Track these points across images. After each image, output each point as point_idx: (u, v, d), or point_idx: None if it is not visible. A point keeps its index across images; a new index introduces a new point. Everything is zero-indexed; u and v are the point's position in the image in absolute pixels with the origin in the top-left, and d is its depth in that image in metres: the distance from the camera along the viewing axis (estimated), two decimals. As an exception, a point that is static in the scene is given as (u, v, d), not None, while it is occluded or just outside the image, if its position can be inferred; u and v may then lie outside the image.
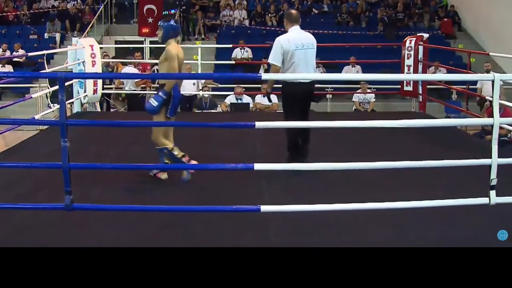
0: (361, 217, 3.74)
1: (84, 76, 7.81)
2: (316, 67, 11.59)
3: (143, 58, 13.39)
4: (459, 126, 7.07)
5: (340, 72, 11.44)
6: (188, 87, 10.03)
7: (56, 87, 4.29)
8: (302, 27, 5.06)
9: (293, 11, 5.21)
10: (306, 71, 4.86)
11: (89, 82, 7.93)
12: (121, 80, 10.80)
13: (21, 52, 13.45)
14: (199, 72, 9.12)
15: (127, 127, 6.46)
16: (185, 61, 4.91)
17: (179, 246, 3.31)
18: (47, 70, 7.34)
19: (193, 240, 3.53)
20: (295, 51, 4.79)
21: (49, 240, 3.47)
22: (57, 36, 15.23)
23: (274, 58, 4.86)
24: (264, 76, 4.11)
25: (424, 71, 8.12)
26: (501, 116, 4.48)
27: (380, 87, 10.82)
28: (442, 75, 6.97)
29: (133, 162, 4.81)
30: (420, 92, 8.15)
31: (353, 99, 10.31)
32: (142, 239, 3.52)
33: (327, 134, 5.37)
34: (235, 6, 16.13)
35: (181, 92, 4.83)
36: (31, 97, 8.59)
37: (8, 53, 13.35)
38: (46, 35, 15.42)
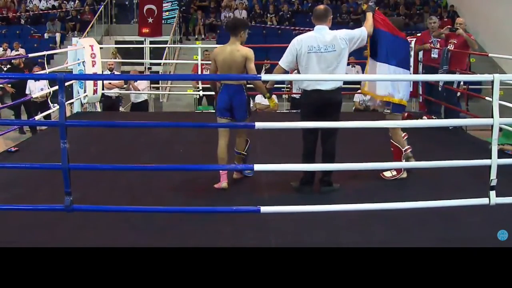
0: (361, 217, 3.74)
1: (85, 77, 7.81)
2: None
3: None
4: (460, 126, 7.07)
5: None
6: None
7: (56, 87, 4.29)
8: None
9: (320, 7, 4.49)
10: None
11: (89, 82, 7.94)
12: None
13: (21, 51, 13.45)
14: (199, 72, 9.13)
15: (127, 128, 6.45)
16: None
17: (179, 246, 3.31)
18: (47, 71, 7.34)
19: (193, 240, 3.53)
20: (308, 54, 4.24)
21: (49, 240, 3.47)
22: (57, 36, 15.25)
23: (282, 58, 4.36)
24: (264, 77, 4.09)
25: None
26: None
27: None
28: (442, 76, 6.95)
29: (133, 163, 4.81)
30: (420, 92, 8.15)
31: (354, 100, 10.30)
32: (142, 239, 3.52)
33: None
34: (235, 6, 16.14)
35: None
36: (31, 98, 8.60)
37: (9, 52, 13.37)
38: (46, 35, 15.43)
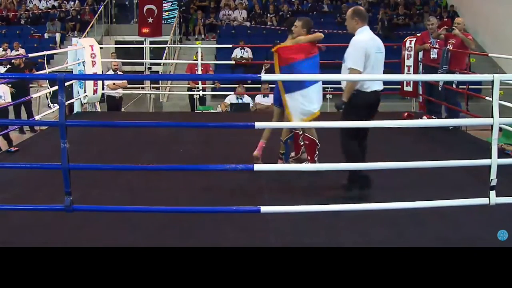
0: (361, 217, 3.74)
1: (85, 77, 7.81)
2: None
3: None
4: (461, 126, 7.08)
5: (340, 72, 11.45)
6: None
7: (56, 87, 4.29)
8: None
9: (362, 8, 4.53)
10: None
11: (89, 82, 7.94)
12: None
13: (21, 51, 13.45)
14: (199, 72, 9.13)
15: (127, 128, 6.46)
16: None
17: (179, 246, 3.31)
18: (47, 71, 7.34)
19: (193, 240, 3.53)
20: (376, 54, 4.22)
21: (49, 240, 3.47)
22: (57, 36, 15.25)
23: (356, 62, 4.17)
24: (264, 77, 4.09)
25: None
26: None
27: (380, 87, 10.83)
28: (441, 76, 6.95)
29: (133, 163, 4.81)
30: (420, 92, 8.15)
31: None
32: (142, 239, 3.52)
33: (327, 134, 5.37)
34: (235, 6, 16.14)
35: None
36: (32, 97, 8.60)
37: (9, 52, 13.36)
38: (46, 35, 15.43)
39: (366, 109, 4.25)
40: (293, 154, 5.23)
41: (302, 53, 4.68)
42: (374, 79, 4.65)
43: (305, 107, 4.69)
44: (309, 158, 4.95)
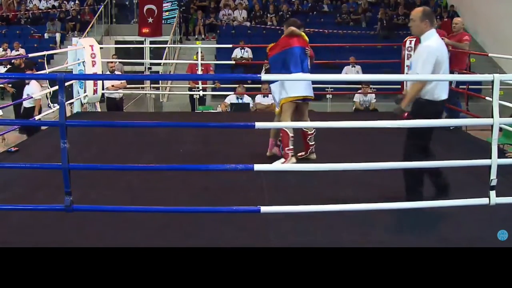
0: (361, 217, 3.74)
1: (85, 77, 7.81)
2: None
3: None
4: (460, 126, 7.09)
5: (340, 72, 11.49)
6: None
7: (56, 87, 4.29)
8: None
9: (429, 8, 4.19)
10: (446, 88, 3.98)
11: (89, 82, 7.94)
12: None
13: (22, 51, 13.46)
14: (199, 72, 9.14)
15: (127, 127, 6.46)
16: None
17: (179, 246, 3.31)
18: (47, 71, 7.33)
19: (193, 240, 3.53)
20: (447, 60, 3.93)
21: (49, 240, 3.47)
22: (57, 36, 15.25)
23: (424, 69, 3.81)
24: (264, 77, 4.10)
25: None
26: None
27: (381, 87, 10.83)
28: (442, 76, 6.95)
29: (133, 163, 4.81)
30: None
31: (354, 99, 10.31)
32: (141, 239, 3.52)
33: (327, 134, 5.37)
34: (235, 6, 16.15)
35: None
36: (32, 97, 8.59)
37: (9, 52, 13.36)
38: (46, 35, 15.44)
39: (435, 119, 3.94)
40: (302, 153, 5.23)
41: (276, 49, 5.17)
42: (372, 79, 4.65)
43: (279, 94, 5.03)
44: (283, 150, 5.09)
